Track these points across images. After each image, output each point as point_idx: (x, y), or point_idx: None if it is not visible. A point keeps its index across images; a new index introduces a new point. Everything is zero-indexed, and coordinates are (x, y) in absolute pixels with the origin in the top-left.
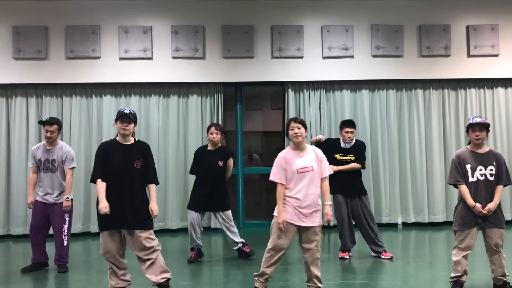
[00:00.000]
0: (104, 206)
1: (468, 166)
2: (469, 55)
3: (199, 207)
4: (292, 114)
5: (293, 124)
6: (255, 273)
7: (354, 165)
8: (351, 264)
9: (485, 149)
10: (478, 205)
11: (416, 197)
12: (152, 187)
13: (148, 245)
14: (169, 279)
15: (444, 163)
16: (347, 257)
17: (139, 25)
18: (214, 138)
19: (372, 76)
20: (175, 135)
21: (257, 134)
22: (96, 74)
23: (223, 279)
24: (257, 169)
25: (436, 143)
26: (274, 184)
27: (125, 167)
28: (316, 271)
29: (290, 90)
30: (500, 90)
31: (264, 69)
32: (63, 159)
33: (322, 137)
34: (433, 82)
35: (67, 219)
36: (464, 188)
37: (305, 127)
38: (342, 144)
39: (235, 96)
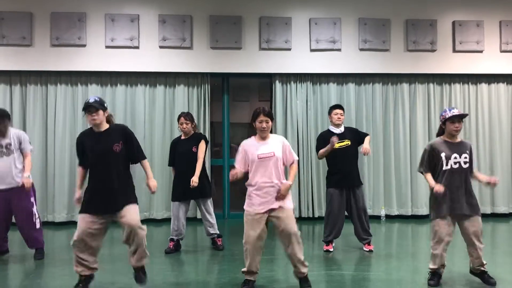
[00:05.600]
0: (76, 198)
1: (442, 155)
2: (454, 51)
3: (181, 196)
4: (279, 106)
5: (261, 117)
6: (242, 270)
7: (368, 139)
8: (334, 256)
9: (457, 139)
10: (438, 186)
11: (399, 190)
12: (145, 163)
13: (135, 220)
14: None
15: None
16: (331, 249)
17: (126, 13)
18: (184, 128)
19: (359, 69)
20: (161, 125)
21: (244, 125)
22: (82, 62)
23: (207, 269)
24: None
25: (420, 137)
26: None
27: (103, 153)
28: (298, 254)
29: (277, 82)
30: (483, 86)
31: (251, 60)
32: (20, 140)
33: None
34: (418, 77)
35: (34, 201)
36: (428, 175)
37: (272, 119)
38: (335, 130)
39: (222, 87)
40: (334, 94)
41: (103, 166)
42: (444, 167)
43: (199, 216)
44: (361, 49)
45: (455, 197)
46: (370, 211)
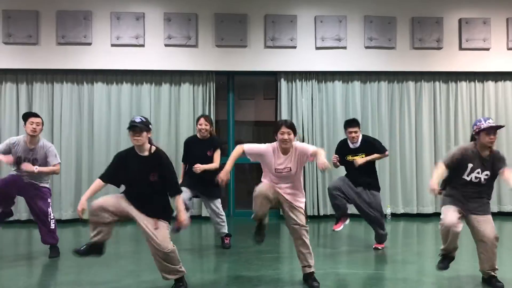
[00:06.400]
0: (81, 203)
1: (469, 165)
2: (460, 48)
3: (190, 185)
4: (284, 104)
5: (283, 129)
6: (252, 216)
7: (374, 156)
8: (340, 255)
9: (490, 152)
10: (433, 186)
11: (405, 188)
12: (178, 199)
13: (167, 243)
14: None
15: (434, 155)
16: (343, 225)
17: (131, 11)
18: (203, 129)
19: (364, 67)
20: (167, 124)
21: (249, 123)
22: (88, 60)
23: (211, 268)
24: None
25: (426, 135)
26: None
27: (140, 179)
28: (304, 249)
29: (282, 80)
30: (490, 84)
31: (257, 58)
32: (46, 154)
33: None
34: (424, 75)
35: (50, 202)
36: (440, 169)
37: (295, 132)
38: (350, 145)
39: (227, 85)
40: (339, 92)
41: (139, 191)
42: (465, 177)
43: (203, 214)
44: (367, 47)
45: (464, 201)
46: None
